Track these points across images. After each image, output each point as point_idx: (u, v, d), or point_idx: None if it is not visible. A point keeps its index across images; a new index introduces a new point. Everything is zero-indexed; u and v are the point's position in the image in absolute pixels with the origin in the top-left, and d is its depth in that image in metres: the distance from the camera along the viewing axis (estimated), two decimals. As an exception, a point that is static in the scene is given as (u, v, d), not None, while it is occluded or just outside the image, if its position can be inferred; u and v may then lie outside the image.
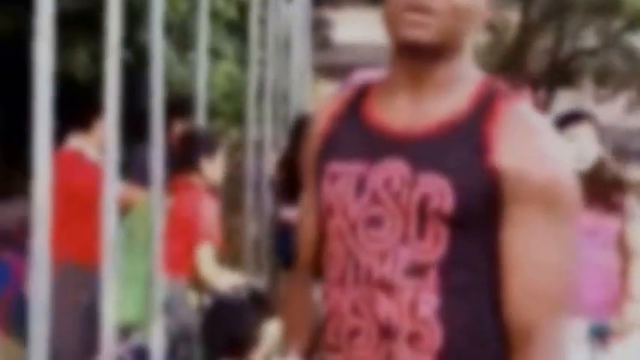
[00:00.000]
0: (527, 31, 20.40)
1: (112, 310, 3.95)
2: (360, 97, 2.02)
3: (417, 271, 1.86)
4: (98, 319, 4.68)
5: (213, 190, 5.52)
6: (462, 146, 1.86)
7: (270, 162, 7.20)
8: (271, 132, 7.47)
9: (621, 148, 20.82)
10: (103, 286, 3.94)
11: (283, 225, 6.34)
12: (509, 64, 20.35)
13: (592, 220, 4.36)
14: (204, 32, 5.99)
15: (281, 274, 6.63)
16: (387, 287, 1.87)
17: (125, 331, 4.68)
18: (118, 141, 3.95)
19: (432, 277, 1.86)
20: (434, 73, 1.90)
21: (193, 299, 5.21)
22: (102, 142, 5.30)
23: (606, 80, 21.26)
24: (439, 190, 1.84)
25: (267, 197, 7.25)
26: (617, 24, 19.69)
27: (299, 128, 6.26)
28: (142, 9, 6.01)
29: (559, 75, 20.83)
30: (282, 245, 6.36)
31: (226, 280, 5.03)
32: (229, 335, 4.10)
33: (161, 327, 4.65)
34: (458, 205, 1.83)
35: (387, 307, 1.87)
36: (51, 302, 3.43)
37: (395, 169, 1.89)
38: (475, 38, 1.97)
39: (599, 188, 4.35)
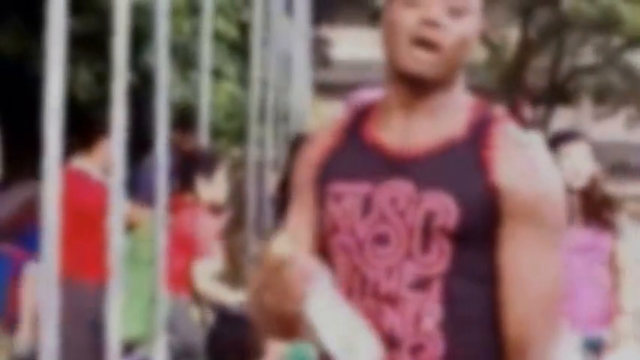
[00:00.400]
0: (526, 49, 20.49)
1: (117, 326, 4.04)
2: (359, 119, 2.08)
3: (421, 284, 1.94)
4: (102, 334, 4.80)
5: (215, 208, 5.64)
6: (463, 165, 1.95)
7: (272, 181, 7.31)
8: (272, 151, 7.58)
9: (622, 164, 20.94)
10: (109, 302, 4.04)
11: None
12: (508, 81, 20.46)
13: (588, 237, 4.49)
14: (207, 54, 6.11)
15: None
16: (393, 300, 1.94)
17: (129, 347, 4.78)
18: (124, 160, 4.05)
19: (436, 290, 1.94)
20: (431, 99, 1.98)
21: (195, 315, 5.31)
22: (105, 162, 5.43)
23: (605, 98, 21.36)
24: (444, 207, 1.93)
25: (269, 215, 7.35)
26: (617, 42, 19.77)
27: (297, 147, 6.37)
28: (146, 31, 6.13)
29: (558, 92, 20.93)
30: None
31: (231, 296, 5.14)
32: (235, 348, 4.20)
33: (164, 343, 4.75)
34: (461, 221, 1.92)
35: (391, 319, 1.94)
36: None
37: (400, 188, 1.97)
38: (471, 57, 2.04)
39: (593, 206, 4.48)
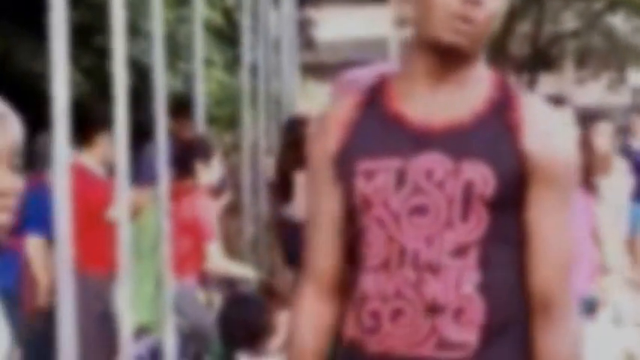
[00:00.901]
0: (508, 16, 20.57)
1: (128, 314, 4.14)
2: (377, 93, 2.12)
3: (460, 251, 2.02)
4: (112, 323, 4.91)
5: (214, 191, 5.76)
6: (493, 136, 2.04)
7: (266, 164, 7.41)
8: (265, 134, 7.66)
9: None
10: (119, 292, 4.14)
11: (285, 224, 6.56)
12: (491, 49, 20.54)
13: (580, 199, 4.60)
14: (199, 43, 6.19)
15: (285, 272, 6.84)
16: (434, 269, 2.01)
17: (139, 333, 4.89)
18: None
19: (473, 256, 2.02)
20: (458, 71, 2.06)
21: (202, 297, 5.43)
22: (105, 156, 5.51)
23: (587, 61, 21.45)
24: (482, 177, 2.01)
25: (264, 198, 7.45)
26: (597, 5, 19.84)
27: (291, 130, 6.47)
28: (135, 22, 6.20)
29: (541, 59, 21.01)
30: (290, 244, 6.58)
31: (240, 270, 5.31)
32: (246, 327, 4.31)
33: (173, 327, 4.86)
34: (498, 189, 2.01)
35: (433, 287, 2.01)
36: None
37: (435, 160, 2.03)
38: None
39: (582, 169, 4.59)
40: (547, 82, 22.00)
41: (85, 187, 5.08)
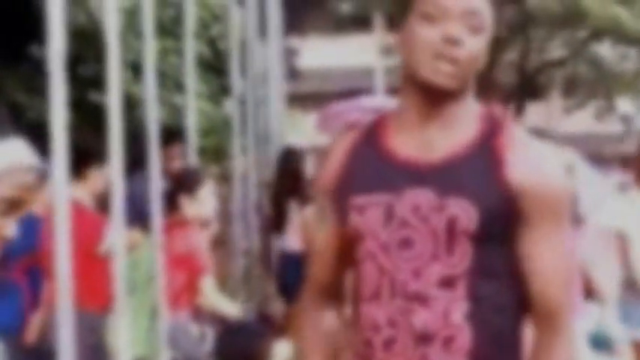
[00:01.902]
0: (494, 45, 20.70)
1: (125, 347, 4.17)
2: (375, 130, 2.26)
3: (447, 282, 2.14)
4: (107, 358, 4.93)
5: (204, 224, 5.80)
6: (480, 172, 2.15)
7: (256, 194, 7.45)
8: (254, 165, 7.70)
9: (595, 155, 21.21)
10: (115, 325, 4.16)
11: (278, 256, 6.61)
12: (478, 78, 20.69)
13: None
14: (191, 76, 6.25)
15: (278, 302, 6.87)
16: (422, 299, 2.15)
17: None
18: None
19: (461, 287, 2.14)
20: (446, 109, 2.18)
21: (195, 330, 5.46)
22: (97, 189, 5.55)
23: (574, 90, 21.60)
24: (466, 213, 2.13)
25: (254, 229, 7.48)
26: (582, 34, 20.02)
27: (285, 161, 6.54)
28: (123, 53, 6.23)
29: (528, 88, 21.15)
30: (287, 275, 6.62)
31: (229, 309, 5.33)
32: (242, 355, 4.35)
33: (167, 359, 4.90)
34: (481, 224, 2.13)
35: (423, 316, 2.14)
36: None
37: (421, 196, 2.16)
38: None
39: None
40: (534, 111, 22.14)
41: (79, 222, 5.11)
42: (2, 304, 5.62)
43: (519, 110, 20.95)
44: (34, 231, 5.54)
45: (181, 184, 5.48)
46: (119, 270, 4.12)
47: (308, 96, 18.98)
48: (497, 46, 20.61)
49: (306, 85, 18.30)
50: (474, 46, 2.14)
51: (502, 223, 2.15)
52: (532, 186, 2.14)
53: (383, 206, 2.17)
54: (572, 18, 18.65)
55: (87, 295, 5.17)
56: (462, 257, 2.14)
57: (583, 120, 23.05)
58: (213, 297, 5.37)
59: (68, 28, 4.22)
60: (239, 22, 7.69)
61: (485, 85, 20.56)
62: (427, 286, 2.14)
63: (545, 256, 2.18)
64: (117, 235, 4.09)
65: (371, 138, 2.25)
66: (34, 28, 9.66)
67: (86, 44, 8.74)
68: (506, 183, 2.13)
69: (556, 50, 20.97)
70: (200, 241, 5.48)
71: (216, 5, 11.65)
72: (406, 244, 2.16)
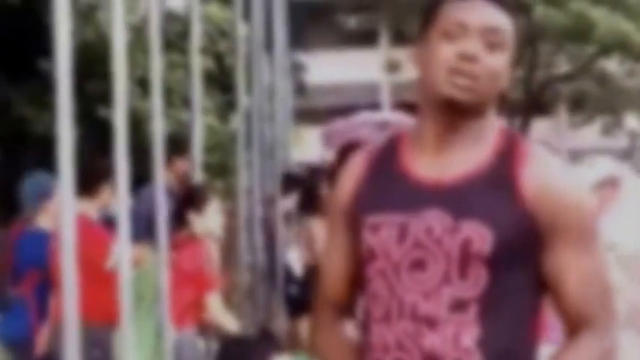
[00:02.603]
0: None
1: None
2: (392, 149, 2.24)
3: (459, 306, 2.10)
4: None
5: (212, 240, 5.85)
6: (496, 193, 2.12)
7: (261, 208, 7.51)
8: (260, 180, 7.75)
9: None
10: (123, 341, 4.20)
11: (286, 270, 6.69)
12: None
13: None
14: (197, 92, 6.30)
15: (281, 318, 6.92)
16: (432, 322, 2.11)
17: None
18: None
19: (473, 312, 2.10)
20: (466, 127, 2.16)
21: (201, 345, 5.51)
22: (104, 204, 5.60)
23: (581, 106, 21.63)
24: (480, 235, 2.09)
25: (260, 245, 7.52)
26: (589, 50, 20.03)
27: (286, 184, 6.64)
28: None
29: (534, 103, 21.18)
30: (289, 292, 6.69)
31: (233, 326, 5.39)
32: None
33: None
34: (497, 248, 2.09)
35: (431, 339, 2.10)
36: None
37: (435, 217, 2.13)
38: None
39: None
40: (541, 127, 22.17)
41: (86, 237, 5.16)
42: (12, 318, 5.68)
43: (525, 126, 20.97)
44: (43, 245, 5.60)
45: (189, 201, 5.54)
46: (125, 284, 4.16)
47: (312, 111, 19.05)
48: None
49: (310, 100, 18.36)
50: (492, 63, 2.13)
51: (520, 245, 2.11)
52: (549, 202, 2.11)
53: (397, 226, 2.15)
54: (579, 33, 18.66)
55: (93, 309, 5.22)
56: (476, 281, 2.10)
57: (590, 136, 23.08)
58: (218, 313, 5.42)
59: (76, 43, 4.28)
60: (245, 37, 7.74)
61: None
62: (438, 309, 2.11)
63: (574, 274, 2.13)
64: (123, 249, 4.13)
65: (388, 156, 2.24)
66: (41, 43, 9.73)
67: (94, 60, 8.80)
68: (522, 201, 2.11)
69: (563, 65, 20.99)
70: (209, 256, 5.53)
71: (223, 20, 11.74)
72: (418, 265, 2.13)
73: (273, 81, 8.31)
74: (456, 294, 2.10)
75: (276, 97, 8.35)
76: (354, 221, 2.22)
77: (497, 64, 2.13)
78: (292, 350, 5.32)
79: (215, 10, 11.87)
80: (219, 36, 11.68)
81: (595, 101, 21.09)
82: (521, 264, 2.12)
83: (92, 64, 8.75)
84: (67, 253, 3.36)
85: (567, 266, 2.13)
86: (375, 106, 19.31)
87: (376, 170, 2.23)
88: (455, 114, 2.14)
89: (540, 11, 18.57)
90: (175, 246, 5.28)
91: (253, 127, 7.54)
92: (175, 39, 10.29)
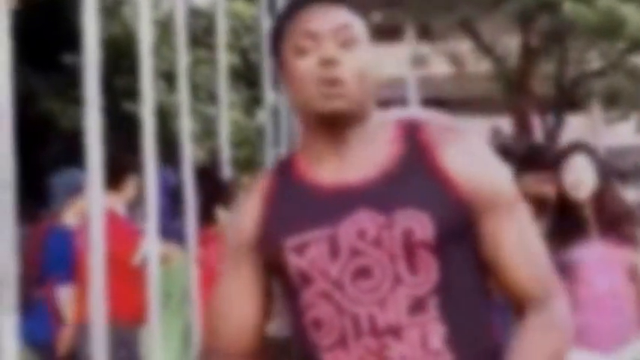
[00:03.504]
0: (530, 56, 20.68)
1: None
2: (288, 171, 2.12)
3: (418, 306, 1.98)
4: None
5: None
6: (417, 175, 2.04)
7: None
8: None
9: (637, 168, 21.07)
10: (150, 340, 4.21)
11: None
12: (515, 90, 20.65)
13: (604, 249, 4.50)
14: (223, 88, 6.31)
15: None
16: (395, 331, 1.97)
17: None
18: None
19: (433, 308, 1.99)
20: (357, 129, 2.07)
21: None
22: (130, 198, 5.63)
23: (615, 102, 21.52)
24: (419, 222, 1.99)
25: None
26: (621, 45, 19.93)
27: None
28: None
29: (566, 99, 21.09)
30: None
31: None
32: None
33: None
34: (439, 231, 1.99)
35: (399, 350, 1.97)
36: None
37: (364, 218, 2.01)
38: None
39: (609, 218, 4.57)
40: (575, 124, 22.07)
41: (113, 233, 5.20)
42: (35, 318, 5.71)
43: (558, 122, 20.89)
44: (67, 244, 5.63)
45: (218, 196, 5.54)
46: (153, 282, 4.18)
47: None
48: (532, 56, 20.62)
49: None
50: (353, 61, 2.06)
51: (457, 224, 2.02)
52: (472, 172, 2.04)
53: (325, 240, 2.02)
54: (610, 29, 18.58)
55: (119, 307, 5.25)
56: (428, 273, 1.99)
57: (625, 132, 22.96)
58: None
59: (102, 38, 4.30)
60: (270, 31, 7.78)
61: (521, 96, 20.57)
62: (398, 315, 1.98)
63: (514, 245, 2.05)
64: (151, 245, 4.15)
65: (285, 177, 2.12)
66: (67, 37, 9.81)
67: (119, 54, 8.86)
68: (447, 178, 2.03)
69: (594, 61, 20.88)
70: None
71: (248, 16, 11.79)
72: (362, 273, 1.99)
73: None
74: (412, 292, 1.99)
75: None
76: (269, 251, 2.08)
77: (358, 60, 2.06)
78: None
79: (240, 6, 11.92)
80: (244, 31, 11.73)
81: (628, 97, 20.98)
82: (463, 245, 2.04)
83: (118, 58, 8.81)
84: (96, 251, 3.38)
85: (501, 235, 2.06)
86: (402, 101, 19.28)
87: (278, 193, 2.11)
88: (338, 124, 2.06)
89: (569, 7, 18.50)
90: (202, 242, 5.29)
91: (281, 122, 7.55)
92: (201, 35, 10.33)
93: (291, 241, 2.04)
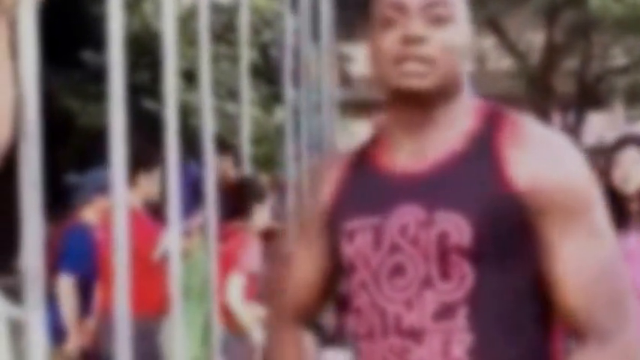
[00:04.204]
0: (553, 53, 20.65)
1: (181, 352, 4.34)
2: (367, 151, 2.09)
3: (445, 313, 1.92)
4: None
5: (268, 233, 6.01)
6: (475, 176, 1.94)
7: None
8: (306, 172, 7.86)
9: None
10: (172, 333, 4.33)
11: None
12: (536, 87, 20.63)
13: None
14: (245, 86, 6.41)
15: (329, 311, 7.03)
16: (417, 335, 1.92)
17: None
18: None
19: (461, 317, 1.92)
20: (434, 115, 2.00)
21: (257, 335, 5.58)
22: (147, 194, 5.75)
23: (637, 99, 21.46)
24: (456, 227, 1.91)
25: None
26: (646, 41, 19.87)
27: None
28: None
29: (588, 96, 21.05)
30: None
31: (248, 321, 5.47)
32: None
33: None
34: (478, 239, 1.90)
35: (419, 355, 1.92)
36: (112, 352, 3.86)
37: (409, 213, 1.96)
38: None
39: None
40: (597, 121, 22.03)
41: (133, 228, 5.32)
42: (57, 311, 5.84)
43: (579, 120, 20.87)
44: (86, 240, 5.76)
45: (252, 192, 5.70)
46: (175, 276, 4.29)
47: (357, 103, 19.10)
48: (556, 52, 20.60)
49: (356, 91, 18.42)
50: (445, 39, 1.97)
51: (508, 236, 1.91)
52: (543, 184, 1.91)
53: (371, 230, 1.99)
54: (635, 24, 18.54)
55: (140, 300, 5.37)
56: (461, 281, 1.91)
57: (647, 130, 22.88)
58: (235, 299, 5.45)
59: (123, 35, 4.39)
60: (292, 28, 7.87)
61: (542, 92, 20.55)
62: (422, 318, 1.92)
63: (571, 261, 1.91)
64: (173, 241, 4.26)
65: (364, 158, 2.09)
66: (86, 34, 9.91)
67: (140, 51, 8.94)
68: (509, 185, 1.91)
69: (619, 57, 20.82)
70: (255, 248, 5.68)
71: (268, 11, 11.86)
72: (397, 271, 1.95)
73: (320, 73, 8.41)
74: (440, 298, 1.92)
75: (323, 88, 8.45)
76: (332, 231, 2.07)
77: (450, 38, 1.98)
78: (341, 344, 5.42)
79: (261, 1, 12.00)
80: (264, 27, 11.80)
81: (652, 94, 20.93)
82: (514, 259, 1.93)
83: (138, 55, 8.89)
84: (120, 248, 3.50)
85: (559, 245, 1.93)
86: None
87: (353, 174, 2.08)
88: (417, 103, 1.99)
89: (596, 1, 18.46)
90: (226, 236, 5.42)
91: (301, 120, 7.64)
92: (221, 30, 10.42)
93: (346, 226, 2.02)
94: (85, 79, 9.49)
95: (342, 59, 16.53)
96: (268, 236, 5.83)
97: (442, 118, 2.01)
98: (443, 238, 1.91)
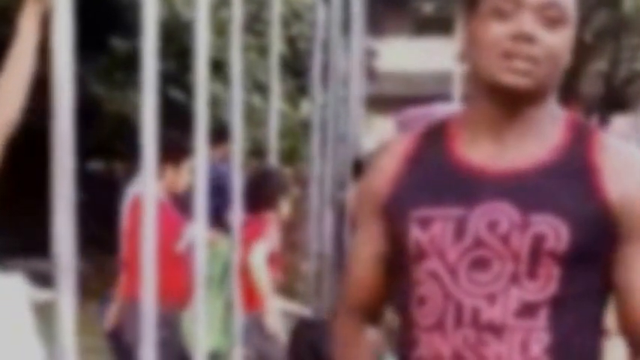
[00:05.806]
0: (581, 54, 20.60)
1: (202, 340, 4.38)
2: (440, 138, 2.08)
3: (528, 311, 1.95)
4: (179, 352, 5.16)
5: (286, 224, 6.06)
6: (572, 185, 1.96)
7: (331, 196, 7.65)
8: (331, 168, 7.88)
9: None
10: (194, 322, 4.36)
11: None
12: (562, 88, 20.58)
13: None
14: (275, 79, 6.43)
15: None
16: (497, 329, 1.94)
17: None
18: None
19: (543, 316, 1.95)
20: (526, 114, 2.00)
21: (277, 324, 5.62)
22: (172, 186, 5.79)
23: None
24: (554, 231, 1.93)
25: (329, 234, 7.66)
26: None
27: (358, 171, 6.79)
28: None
29: (614, 99, 20.98)
30: None
31: (267, 289, 5.51)
32: (315, 354, 4.56)
33: (240, 355, 5.12)
34: (573, 244, 1.93)
35: (496, 349, 1.95)
36: (136, 338, 3.89)
37: (500, 210, 1.96)
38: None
39: None
40: (619, 124, 21.95)
41: (160, 219, 5.36)
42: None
43: (603, 122, 20.80)
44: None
45: (278, 184, 5.78)
46: (200, 265, 4.32)
47: (384, 99, 19.11)
48: (584, 53, 20.52)
49: (382, 87, 18.43)
50: (553, 42, 1.96)
51: (595, 242, 1.96)
52: (633, 197, 1.96)
53: (453, 221, 1.98)
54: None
55: (162, 290, 5.41)
56: (547, 282, 1.95)
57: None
58: (259, 265, 5.47)
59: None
60: (322, 21, 7.87)
61: (568, 94, 20.49)
62: (504, 314, 1.94)
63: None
64: (198, 232, 4.30)
65: (435, 144, 2.08)
66: (114, 20, 9.93)
67: (167, 40, 8.97)
68: (602, 195, 1.96)
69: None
70: (274, 237, 5.76)
71: (298, 3, 11.84)
72: (480, 265, 1.96)
73: (348, 67, 8.42)
74: (525, 296, 1.94)
75: (351, 83, 8.46)
76: (396, 217, 2.04)
77: (558, 43, 1.97)
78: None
79: (291, -6, 11.99)
80: (293, 19, 11.79)
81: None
82: (595, 264, 1.98)
83: (164, 43, 8.91)
84: (148, 236, 3.53)
85: (638, 259, 1.98)
86: (445, 97, 19.29)
87: (423, 159, 2.07)
88: (513, 101, 1.98)
89: (630, 3, 18.38)
90: (248, 226, 5.47)
91: (328, 114, 7.65)
92: (248, 21, 10.42)
93: (417, 212, 2.01)
94: (112, 66, 9.51)
95: (369, 55, 16.54)
96: (288, 228, 5.90)
97: (534, 120, 2.02)
98: (539, 240, 1.94)
